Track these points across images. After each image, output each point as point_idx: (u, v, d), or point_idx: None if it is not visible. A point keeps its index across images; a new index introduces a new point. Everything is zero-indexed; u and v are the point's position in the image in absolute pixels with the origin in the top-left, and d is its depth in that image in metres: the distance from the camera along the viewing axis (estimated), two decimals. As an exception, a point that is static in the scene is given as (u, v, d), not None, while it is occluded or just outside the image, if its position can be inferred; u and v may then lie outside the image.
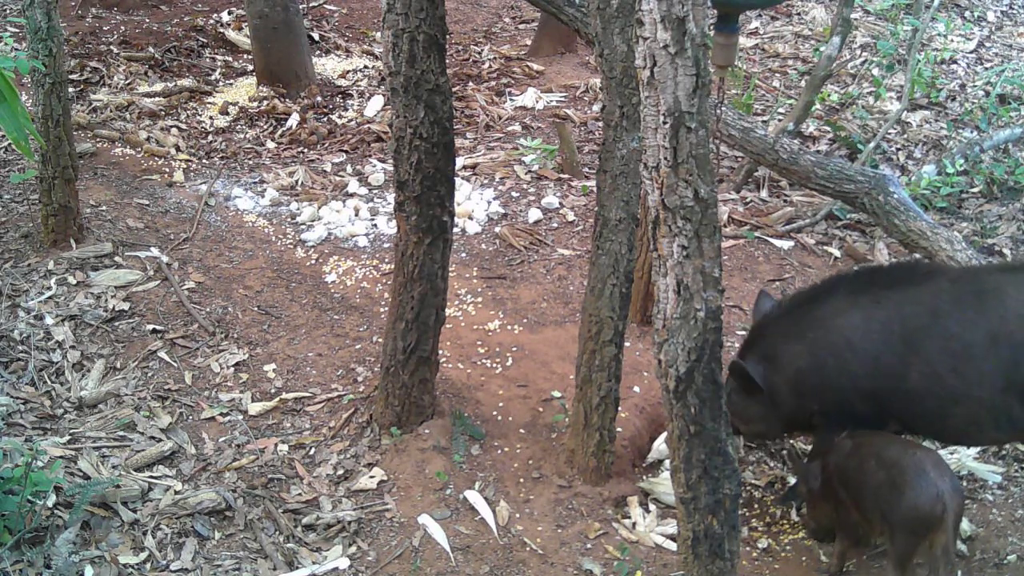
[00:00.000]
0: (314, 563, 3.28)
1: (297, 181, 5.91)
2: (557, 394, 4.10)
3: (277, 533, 3.41)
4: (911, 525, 3.00)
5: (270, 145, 6.41)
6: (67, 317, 4.33)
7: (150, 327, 4.37)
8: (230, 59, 7.75)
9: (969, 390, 3.14)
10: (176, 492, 3.52)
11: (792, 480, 3.74)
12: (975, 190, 5.82)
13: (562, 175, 5.94)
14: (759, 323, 3.61)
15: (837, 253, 5.26)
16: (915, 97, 6.67)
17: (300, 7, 7.28)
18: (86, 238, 4.84)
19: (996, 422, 3.18)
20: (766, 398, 3.43)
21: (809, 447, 3.82)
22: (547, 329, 4.54)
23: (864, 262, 5.17)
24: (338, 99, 7.10)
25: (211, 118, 6.71)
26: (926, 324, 3.21)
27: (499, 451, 3.79)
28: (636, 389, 4.13)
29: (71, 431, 3.76)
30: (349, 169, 6.11)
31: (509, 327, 4.54)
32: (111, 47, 7.62)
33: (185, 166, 6.01)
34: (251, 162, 6.17)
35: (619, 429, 3.73)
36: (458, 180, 5.17)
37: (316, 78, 7.19)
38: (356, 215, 5.55)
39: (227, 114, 6.74)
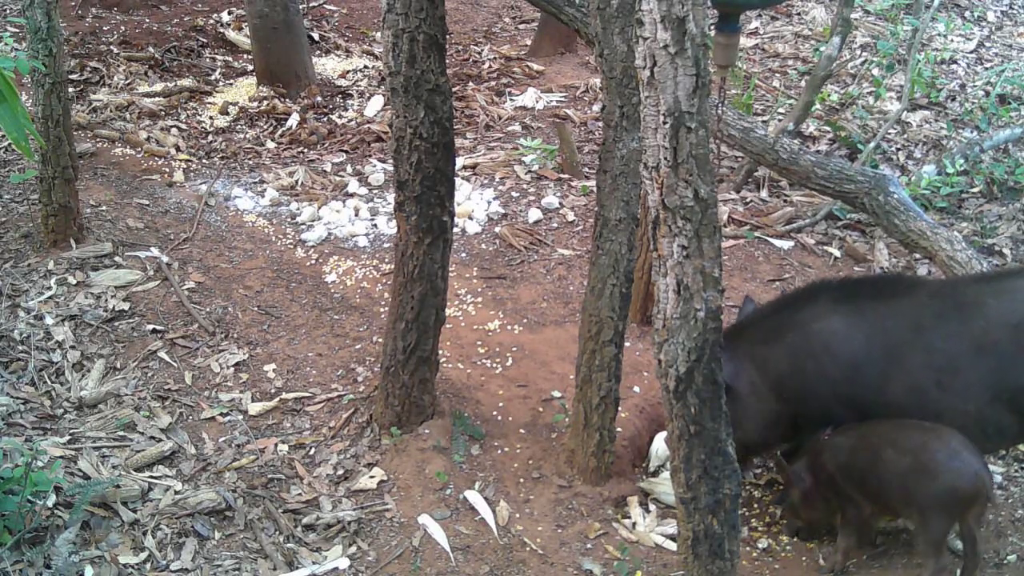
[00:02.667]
0: (314, 563, 3.28)
1: (297, 181, 5.91)
2: (557, 394, 4.10)
3: (277, 533, 3.41)
4: (948, 506, 3.02)
5: (270, 145, 6.41)
6: (67, 317, 4.33)
7: (150, 327, 4.37)
8: (230, 59, 7.75)
9: (953, 403, 3.15)
10: (176, 492, 3.52)
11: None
12: (975, 190, 5.82)
13: (562, 175, 5.94)
14: (733, 327, 3.56)
15: (837, 253, 5.26)
16: (915, 97, 6.66)
17: (300, 7, 7.28)
18: (86, 238, 4.84)
19: (984, 433, 3.17)
20: (751, 404, 3.39)
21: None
22: (547, 329, 4.54)
23: (864, 262, 5.17)
24: (338, 99, 7.10)
25: (211, 118, 6.71)
26: (908, 339, 3.21)
27: (499, 451, 3.79)
28: (636, 389, 4.13)
29: (71, 431, 3.76)
30: (349, 169, 6.11)
31: (509, 327, 4.54)
32: (111, 47, 7.62)
33: (185, 166, 6.01)
34: (251, 162, 6.17)
35: (619, 429, 3.73)
36: (458, 180, 5.17)
37: (316, 78, 7.20)
38: (356, 215, 5.55)
39: (227, 114, 6.74)
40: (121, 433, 3.78)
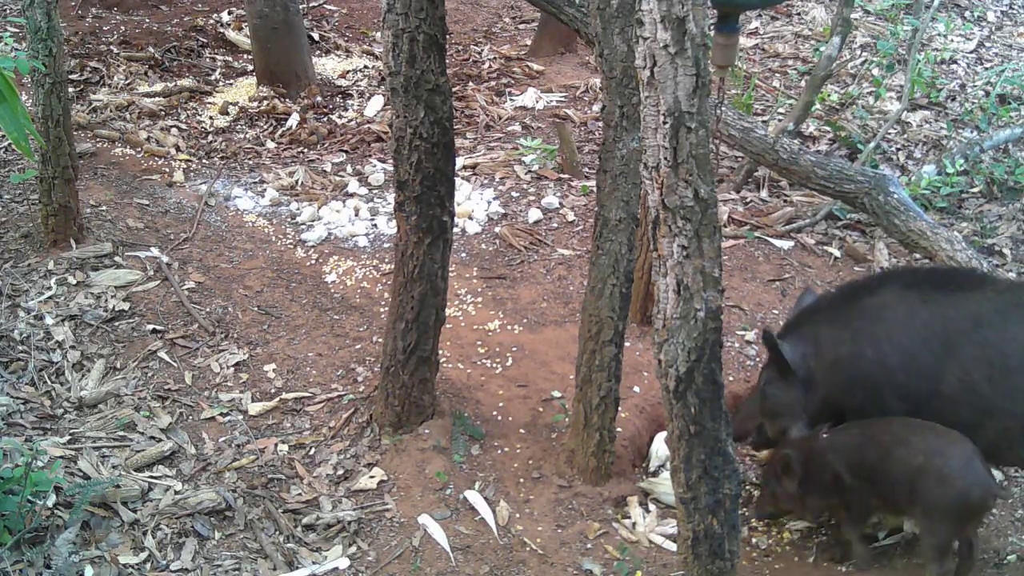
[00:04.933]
0: (314, 563, 3.28)
1: (297, 181, 5.91)
2: (557, 394, 4.10)
3: (277, 533, 3.41)
4: (957, 514, 3.01)
5: (270, 145, 6.41)
6: (67, 317, 4.33)
7: (150, 327, 4.37)
8: (230, 59, 7.75)
9: (1003, 403, 3.11)
10: (176, 492, 3.52)
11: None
12: (975, 190, 5.82)
13: (562, 175, 5.94)
14: (806, 307, 3.60)
15: (837, 253, 5.26)
16: (915, 97, 6.66)
17: (300, 7, 7.28)
18: (86, 238, 4.84)
19: None
20: (800, 384, 3.41)
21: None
22: (547, 329, 4.54)
23: (864, 262, 5.17)
24: (338, 99, 7.10)
25: (211, 118, 6.71)
26: (966, 330, 3.19)
27: (499, 451, 3.79)
28: (636, 389, 4.13)
29: (71, 431, 3.76)
30: (349, 169, 6.12)
31: (509, 327, 4.54)
32: (111, 47, 7.62)
33: (185, 166, 6.02)
34: (251, 162, 6.17)
35: (619, 429, 3.73)
36: (458, 180, 5.17)
37: (316, 78, 7.20)
38: (356, 215, 5.55)
39: (227, 114, 6.74)
40: (121, 433, 3.78)
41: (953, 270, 4.08)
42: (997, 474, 3.75)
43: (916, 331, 3.26)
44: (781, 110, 6.75)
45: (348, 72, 7.53)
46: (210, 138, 6.45)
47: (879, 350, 3.30)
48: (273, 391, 4.09)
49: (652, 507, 3.62)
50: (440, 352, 3.81)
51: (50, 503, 3.29)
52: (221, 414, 3.94)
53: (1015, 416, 3.11)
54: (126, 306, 4.45)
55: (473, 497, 3.52)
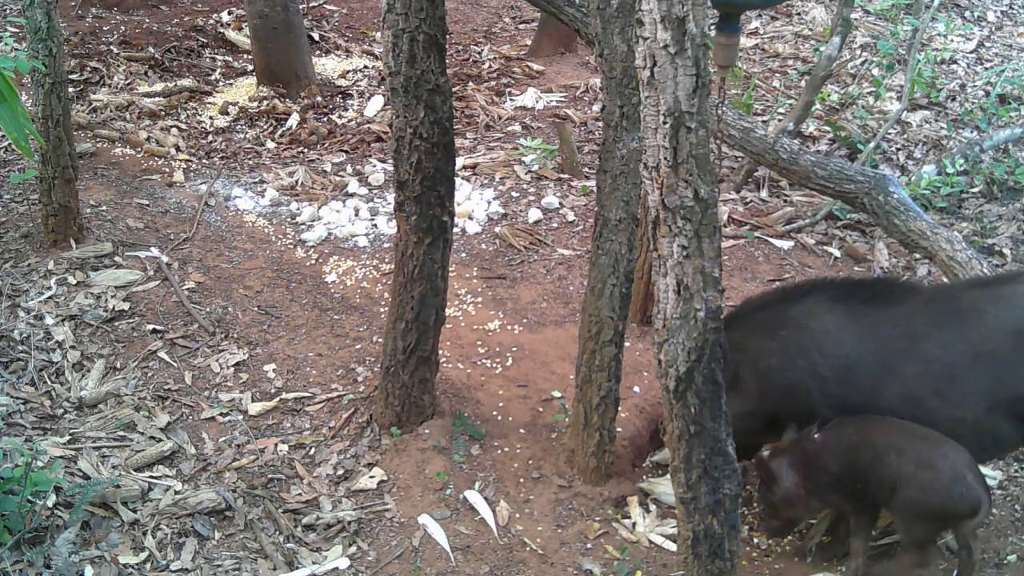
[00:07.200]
0: (314, 563, 3.28)
1: (297, 181, 5.91)
2: (557, 394, 4.10)
3: (277, 533, 3.41)
4: (938, 522, 3.02)
5: (270, 145, 6.41)
6: (67, 317, 4.33)
7: (150, 327, 4.37)
8: (230, 59, 7.75)
9: (951, 412, 3.12)
10: (176, 492, 3.52)
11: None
12: (975, 190, 5.82)
13: (562, 175, 5.94)
14: (727, 317, 3.54)
15: (837, 253, 5.26)
16: (915, 97, 6.67)
17: (300, 7, 7.28)
18: (86, 238, 4.84)
19: (980, 442, 3.14)
20: (734, 397, 3.29)
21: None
22: (547, 329, 4.54)
23: (864, 262, 5.17)
24: (338, 99, 7.10)
25: (211, 118, 6.71)
26: (904, 347, 3.18)
27: (499, 451, 3.79)
28: (636, 389, 4.13)
29: (71, 431, 3.76)
30: (349, 169, 6.12)
31: (509, 327, 4.54)
32: (111, 47, 7.62)
33: (185, 166, 6.01)
34: (251, 162, 6.17)
35: (619, 429, 3.73)
36: (458, 180, 5.17)
37: (316, 78, 7.20)
38: (356, 215, 5.55)
39: (227, 114, 6.74)
40: (121, 433, 3.78)
41: (876, 282, 4.03)
42: (997, 474, 3.76)
43: (849, 346, 3.23)
44: (781, 110, 6.75)
45: (348, 72, 7.54)
46: (210, 138, 6.45)
47: (810, 361, 3.26)
48: (273, 391, 4.09)
49: (652, 507, 3.62)
50: (440, 352, 3.81)
51: (50, 503, 3.29)
52: (221, 414, 3.94)
53: (964, 422, 3.11)
54: (126, 306, 4.45)
55: (473, 497, 3.52)
